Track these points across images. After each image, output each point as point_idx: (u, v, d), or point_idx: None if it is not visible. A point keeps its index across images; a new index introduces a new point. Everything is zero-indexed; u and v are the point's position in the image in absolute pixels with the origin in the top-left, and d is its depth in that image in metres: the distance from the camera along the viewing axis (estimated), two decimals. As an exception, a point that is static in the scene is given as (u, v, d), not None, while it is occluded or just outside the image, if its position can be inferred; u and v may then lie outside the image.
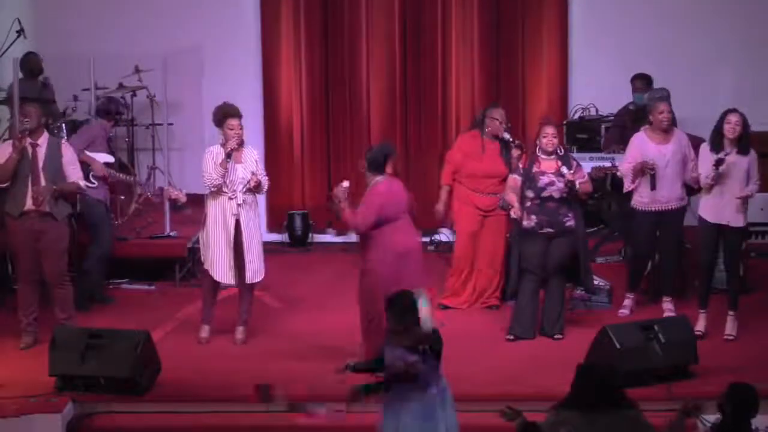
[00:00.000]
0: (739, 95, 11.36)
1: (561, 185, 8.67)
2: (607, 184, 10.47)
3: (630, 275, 9.48)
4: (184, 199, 9.42)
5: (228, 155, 8.66)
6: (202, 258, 8.90)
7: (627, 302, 9.40)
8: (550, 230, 8.71)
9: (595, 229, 10.99)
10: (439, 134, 11.94)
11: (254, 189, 8.77)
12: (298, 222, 11.93)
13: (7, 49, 11.01)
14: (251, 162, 8.83)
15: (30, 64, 11.01)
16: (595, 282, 9.65)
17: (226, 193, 8.71)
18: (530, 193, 8.74)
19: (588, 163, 10.68)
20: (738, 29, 11.66)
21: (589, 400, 5.52)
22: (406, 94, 12.07)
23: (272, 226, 12.13)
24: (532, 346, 8.72)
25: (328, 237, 12.09)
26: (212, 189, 8.72)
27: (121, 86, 11.63)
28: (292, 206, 12.08)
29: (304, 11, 12.00)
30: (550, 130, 8.85)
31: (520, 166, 9.08)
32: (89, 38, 11.67)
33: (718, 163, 8.52)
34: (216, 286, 8.91)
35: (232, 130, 8.73)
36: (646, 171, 8.97)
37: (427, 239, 11.86)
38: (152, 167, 11.77)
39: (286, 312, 9.65)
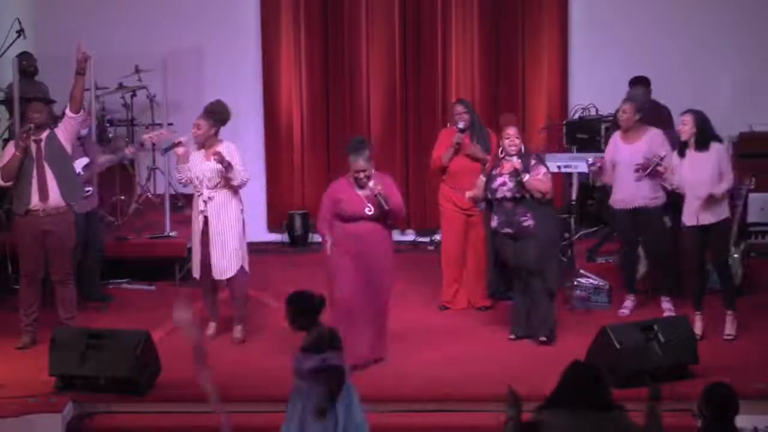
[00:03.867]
0: (738, 95, 11.41)
1: (511, 185, 8.65)
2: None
3: (622, 274, 9.53)
4: (169, 135, 9.52)
5: (167, 149, 8.92)
6: None
7: (627, 302, 9.41)
8: (509, 230, 8.70)
9: (595, 229, 11.00)
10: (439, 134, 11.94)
11: (226, 173, 8.70)
12: (298, 222, 11.93)
13: (7, 49, 11.01)
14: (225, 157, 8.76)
15: (23, 65, 11.00)
16: (595, 282, 9.67)
17: (196, 190, 8.79)
18: (489, 194, 8.77)
19: (588, 163, 10.73)
20: (737, 29, 11.65)
21: (575, 401, 5.45)
22: (406, 94, 12.07)
23: (272, 226, 12.14)
24: (532, 346, 8.71)
25: (328, 237, 12.09)
26: (182, 185, 8.99)
27: (121, 86, 11.64)
28: (292, 206, 12.09)
29: (304, 11, 12.01)
30: (512, 131, 8.78)
31: (486, 166, 9.03)
32: (89, 38, 11.58)
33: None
34: (203, 282, 8.92)
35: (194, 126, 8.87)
36: (594, 170, 9.27)
37: (427, 239, 11.89)
38: (152, 167, 11.78)
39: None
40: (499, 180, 8.72)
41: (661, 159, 8.76)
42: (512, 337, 8.85)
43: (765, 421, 7.04)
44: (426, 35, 12.00)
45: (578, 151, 11.14)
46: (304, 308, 6.45)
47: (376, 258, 8.20)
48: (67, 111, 8.75)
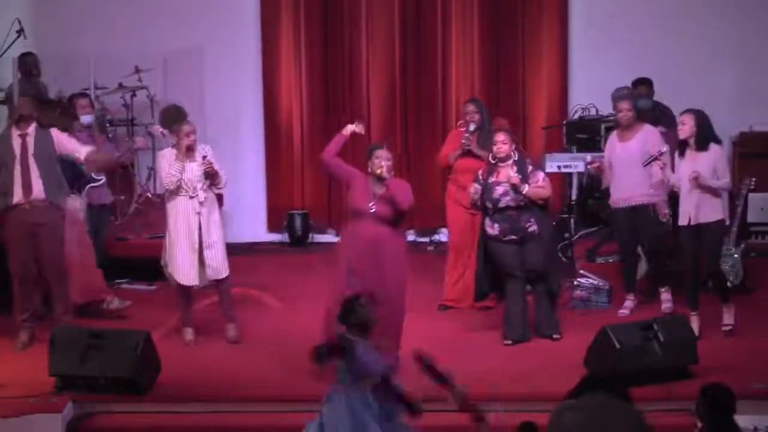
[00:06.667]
0: (738, 95, 11.40)
1: (514, 195, 8.64)
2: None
3: (622, 274, 9.55)
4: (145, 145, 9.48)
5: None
6: (165, 262, 8.85)
7: (627, 302, 9.42)
8: (513, 237, 8.69)
9: (595, 229, 11.00)
10: (439, 134, 11.93)
11: (210, 178, 8.68)
12: (298, 222, 11.94)
13: (7, 49, 11.01)
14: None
15: (26, 65, 10.98)
16: (595, 282, 9.68)
17: (186, 193, 8.70)
18: (488, 203, 8.73)
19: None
20: (737, 29, 11.66)
21: (600, 388, 5.46)
22: (406, 93, 12.08)
23: (272, 226, 12.14)
24: (531, 347, 8.71)
25: (328, 237, 12.09)
26: (171, 189, 8.69)
27: (121, 86, 11.64)
28: (292, 206, 12.09)
29: (304, 11, 12.01)
30: (500, 137, 8.79)
31: (480, 173, 8.96)
32: (89, 38, 11.66)
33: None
34: (187, 288, 8.88)
35: (188, 136, 8.69)
36: (592, 171, 9.21)
37: (426, 239, 11.89)
38: (152, 167, 11.77)
39: (286, 312, 9.65)
40: (500, 189, 8.69)
41: (660, 154, 8.76)
42: (508, 342, 8.80)
43: (765, 421, 7.03)
44: (426, 35, 12.00)
45: (578, 151, 11.14)
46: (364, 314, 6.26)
47: (385, 264, 8.07)
48: (80, 156, 8.74)
